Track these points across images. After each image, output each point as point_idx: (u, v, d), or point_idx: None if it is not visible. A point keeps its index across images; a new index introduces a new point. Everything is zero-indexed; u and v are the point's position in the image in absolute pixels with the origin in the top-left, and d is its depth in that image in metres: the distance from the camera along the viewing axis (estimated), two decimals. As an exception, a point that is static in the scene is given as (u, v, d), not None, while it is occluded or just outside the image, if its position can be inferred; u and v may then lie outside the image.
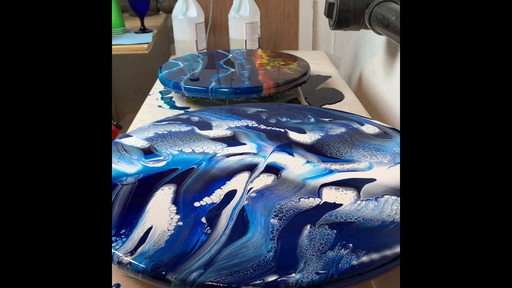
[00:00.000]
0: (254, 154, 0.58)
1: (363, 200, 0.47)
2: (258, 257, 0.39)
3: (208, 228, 0.43)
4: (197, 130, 0.65)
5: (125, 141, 0.62)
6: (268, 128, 0.66)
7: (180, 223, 0.44)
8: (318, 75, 1.08)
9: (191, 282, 0.36)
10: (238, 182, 0.51)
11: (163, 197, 0.48)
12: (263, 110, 0.73)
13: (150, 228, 0.43)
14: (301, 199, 0.47)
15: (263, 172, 0.53)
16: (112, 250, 0.40)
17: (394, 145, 0.59)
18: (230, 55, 1.08)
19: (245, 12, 1.20)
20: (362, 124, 0.66)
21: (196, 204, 0.47)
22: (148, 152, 0.59)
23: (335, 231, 0.42)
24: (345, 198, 0.48)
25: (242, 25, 1.21)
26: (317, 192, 0.49)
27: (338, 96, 0.94)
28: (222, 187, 0.50)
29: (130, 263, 0.39)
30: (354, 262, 0.38)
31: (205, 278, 0.36)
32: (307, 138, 0.62)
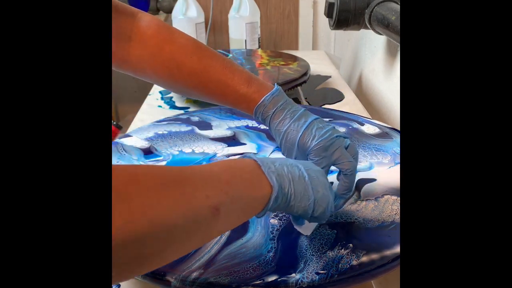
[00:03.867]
0: (254, 154, 0.58)
1: (363, 200, 0.47)
2: (258, 257, 0.39)
3: (208, 228, 0.43)
4: (197, 130, 0.65)
5: (125, 141, 0.62)
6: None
7: (180, 223, 0.44)
8: (318, 75, 1.08)
9: (191, 282, 0.36)
10: (238, 182, 0.51)
11: (163, 197, 0.48)
12: (263, 110, 0.73)
13: (150, 228, 0.43)
14: (301, 199, 0.47)
15: (263, 172, 0.53)
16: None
17: (394, 145, 0.59)
18: (230, 55, 1.08)
19: (245, 12, 1.20)
20: (362, 124, 0.65)
21: (196, 204, 0.47)
22: (148, 152, 0.58)
23: (335, 231, 0.42)
24: (345, 198, 0.48)
25: (242, 25, 1.21)
26: (317, 192, 0.49)
27: (338, 96, 0.94)
28: (222, 187, 0.50)
29: (130, 263, 0.39)
30: (354, 262, 0.38)
31: (205, 278, 0.36)
32: (307, 138, 0.62)
